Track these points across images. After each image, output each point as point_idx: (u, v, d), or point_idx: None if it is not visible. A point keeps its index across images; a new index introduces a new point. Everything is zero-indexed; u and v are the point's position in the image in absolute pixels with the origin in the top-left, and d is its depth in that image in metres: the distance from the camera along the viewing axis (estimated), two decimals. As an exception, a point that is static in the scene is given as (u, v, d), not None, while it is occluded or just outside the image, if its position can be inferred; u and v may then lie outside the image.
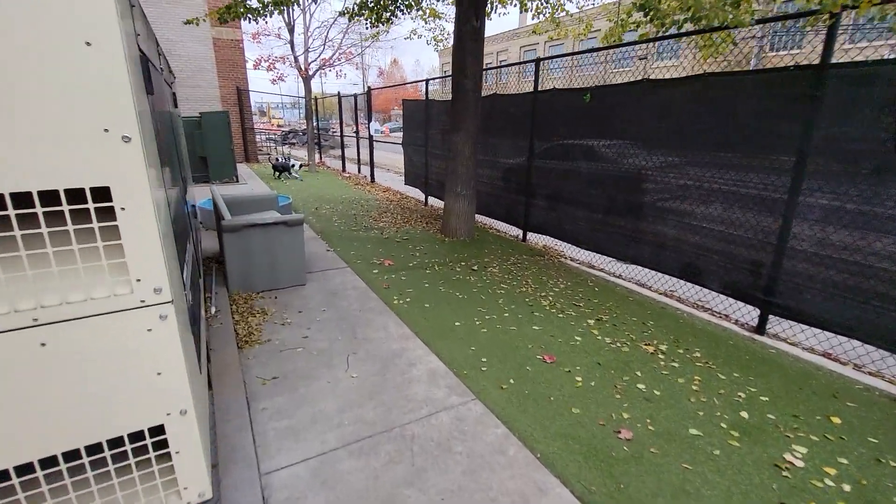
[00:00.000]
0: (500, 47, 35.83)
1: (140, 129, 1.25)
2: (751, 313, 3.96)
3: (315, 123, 13.85)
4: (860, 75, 3.11)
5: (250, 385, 2.69)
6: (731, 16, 3.38)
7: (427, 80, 7.97)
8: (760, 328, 3.81)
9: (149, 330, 1.35)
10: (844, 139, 3.24)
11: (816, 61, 3.23)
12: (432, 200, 8.84)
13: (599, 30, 6.03)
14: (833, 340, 3.48)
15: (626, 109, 4.76)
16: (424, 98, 8.20)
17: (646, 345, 3.42)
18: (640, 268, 4.89)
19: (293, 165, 11.44)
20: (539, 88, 5.73)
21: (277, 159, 11.77)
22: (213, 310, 3.49)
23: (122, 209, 1.25)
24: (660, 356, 3.27)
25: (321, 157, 16.92)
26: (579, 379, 2.91)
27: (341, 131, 13.98)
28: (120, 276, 1.30)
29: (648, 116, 4.54)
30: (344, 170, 13.91)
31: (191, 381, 1.47)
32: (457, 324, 3.61)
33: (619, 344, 3.41)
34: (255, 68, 12.79)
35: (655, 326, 3.77)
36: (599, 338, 3.49)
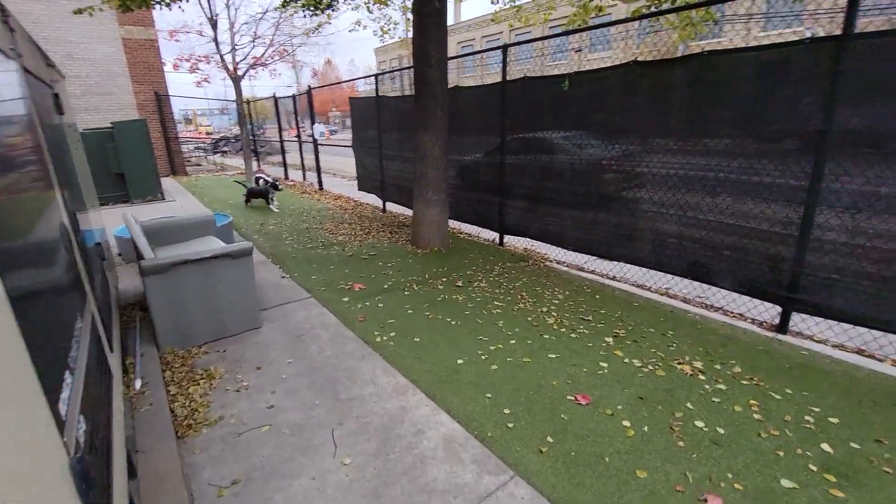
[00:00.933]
0: (461, 38, 35.12)
1: None
2: (769, 311, 3.63)
3: (250, 129, 12.57)
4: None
5: (201, 502, 1.89)
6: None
7: (377, 75, 7.21)
8: (782, 327, 3.48)
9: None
10: (871, 117, 2.94)
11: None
12: (391, 206, 8.11)
13: (564, 17, 5.62)
14: (851, 333, 3.22)
15: (610, 96, 4.32)
16: (375, 95, 7.43)
17: (679, 364, 2.96)
18: (629, 266, 4.49)
19: (273, 194, 8.18)
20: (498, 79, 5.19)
21: (260, 181, 8.68)
22: (137, 384, 2.60)
23: None
24: (700, 377, 2.81)
25: (259, 166, 15.55)
26: (627, 424, 2.37)
27: (280, 136, 12.82)
28: None
29: (639, 102, 4.11)
30: (287, 177, 12.76)
31: None
32: (459, 362, 2.97)
33: (650, 367, 2.92)
34: (176, 70, 11.34)
35: (677, 337, 3.33)
36: (627, 361, 2.99)
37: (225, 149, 23.00)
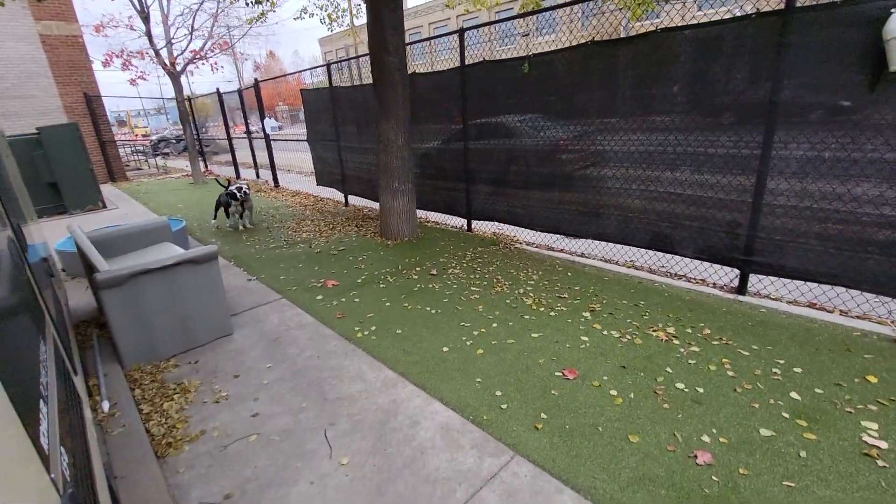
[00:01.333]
0: (408, 25, 34.44)
1: None
2: (728, 275, 3.85)
3: (193, 127, 11.87)
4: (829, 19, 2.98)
5: (193, 519, 1.79)
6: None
7: (330, 65, 6.97)
8: (741, 289, 3.70)
9: None
10: (815, 86, 3.13)
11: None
12: (354, 200, 7.93)
13: (513, 1, 5.61)
14: (803, 289, 3.47)
15: (570, 77, 4.38)
16: (329, 86, 7.18)
17: (654, 331, 3.08)
18: (596, 243, 4.63)
19: (238, 198, 6.33)
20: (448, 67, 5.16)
21: (230, 187, 6.43)
22: (105, 406, 2.42)
23: None
24: (675, 342, 2.94)
25: (206, 166, 14.77)
26: (614, 393, 2.45)
27: (228, 134, 12.20)
28: None
29: (597, 82, 4.20)
30: (238, 176, 12.19)
31: None
32: (445, 350, 2.96)
33: (628, 337, 3.02)
34: (107, 67, 10.46)
35: (648, 307, 3.47)
36: (605, 333, 3.08)
37: (166, 150, 21.64)
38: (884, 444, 2.01)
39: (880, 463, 1.91)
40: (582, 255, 4.75)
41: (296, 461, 2.06)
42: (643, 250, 4.31)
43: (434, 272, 4.38)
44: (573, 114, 4.50)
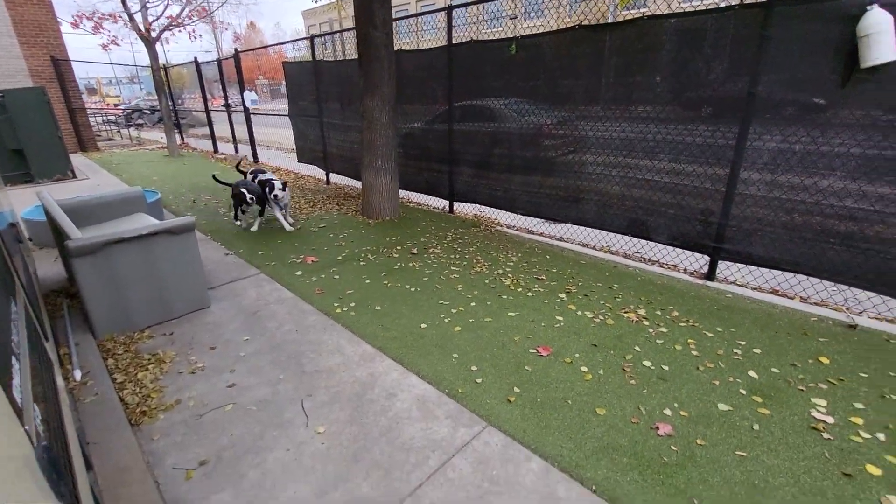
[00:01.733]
0: (395, 2, 33.51)
1: None
2: (699, 261, 3.99)
3: (169, 98, 11.43)
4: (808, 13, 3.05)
5: (169, 486, 1.81)
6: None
7: (313, 38, 6.78)
8: (710, 275, 3.84)
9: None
10: (792, 81, 3.22)
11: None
12: (335, 178, 7.84)
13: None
14: (767, 276, 3.63)
15: (558, 61, 4.39)
16: (312, 59, 7.01)
17: (626, 312, 3.19)
18: (574, 227, 4.72)
19: (276, 194, 4.83)
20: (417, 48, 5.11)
21: (259, 176, 5.42)
22: (77, 374, 2.39)
23: None
24: (644, 323, 3.06)
25: (183, 139, 14.32)
26: (585, 369, 2.54)
27: (206, 106, 11.81)
28: None
29: (584, 67, 4.22)
30: (216, 151, 11.87)
31: None
32: (423, 326, 3.01)
33: (601, 317, 3.12)
34: (76, 28, 9.93)
35: (622, 289, 3.58)
36: (580, 314, 3.17)
37: (140, 121, 20.83)
38: (830, 419, 2.15)
39: (825, 436, 2.05)
40: (560, 240, 4.83)
41: (272, 430, 2.09)
42: (619, 236, 4.42)
43: (415, 251, 4.40)
44: (558, 99, 4.53)
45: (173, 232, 2.92)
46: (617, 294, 3.50)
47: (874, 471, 1.86)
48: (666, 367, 2.56)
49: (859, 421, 2.14)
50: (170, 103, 11.69)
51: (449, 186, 5.86)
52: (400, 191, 5.72)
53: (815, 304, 3.39)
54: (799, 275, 3.48)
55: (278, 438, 2.04)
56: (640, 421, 2.14)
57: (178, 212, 5.96)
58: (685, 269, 4.05)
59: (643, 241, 4.30)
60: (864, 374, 2.49)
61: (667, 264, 4.14)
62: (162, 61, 10.69)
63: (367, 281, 3.74)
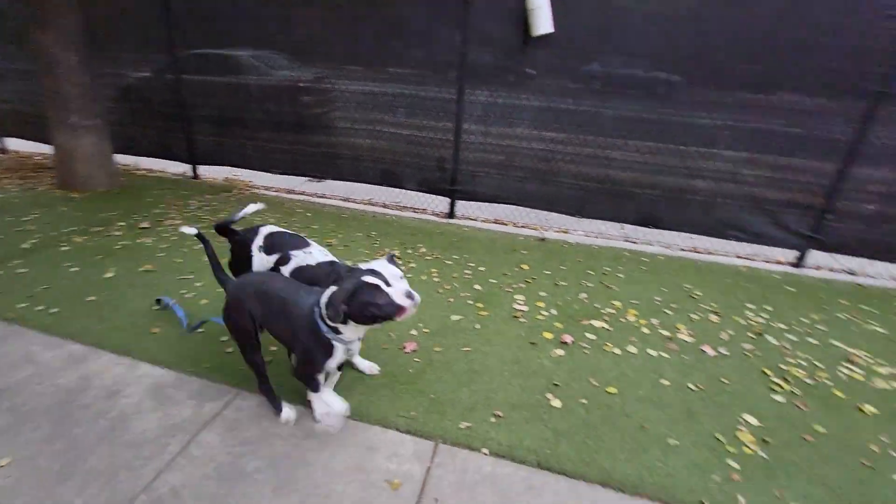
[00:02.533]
0: None
1: None
2: (444, 203, 4.58)
3: None
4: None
5: None
6: None
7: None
8: (451, 214, 4.49)
9: None
10: (490, 42, 3.85)
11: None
12: (15, 144, 5.78)
13: None
14: (494, 210, 4.49)
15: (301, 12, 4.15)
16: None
17: (381, 255, 3.44)
18: (336, 184, 4.80)
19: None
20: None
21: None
22: None
23: None
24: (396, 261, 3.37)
25: None
26: (343, 313, 2.66)
27: None
28: None
29: (332, 19, 4.10)
30: None
31: None
32: (156, 308, 2.60)
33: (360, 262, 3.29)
34: None
35: (379, 236, 3.85)
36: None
37: None
38: (525, 308, 2.85)
39: (521, 320, 2.72)
40: (322, 196, 4.80)
41: (-87, 484, 1.51)
42: (379, 189, 4.68)
43: (146, 225, 3.69)
44: (307, 54, 4.33)
45: None
46: (375, 241, 3.74)
47: (548, 336, 2.58)
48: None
49: (542, 305, 2.90)
50: None
51: (188, 148, 5.04)
52: (125, 157, 4.61)
53: (522, 226, 4.35)
54: (510, 205, 4.38)
55: (-74, 491, 1.49)
56: (390, 346, 2.40)
57: None
58: (433, 212, 4.60)
59: (399, 191, 4.65)
60: (546, 272, 3.36)
61: (419, 209, 4.62)
62: None
63: (75, 269, 2.96)
